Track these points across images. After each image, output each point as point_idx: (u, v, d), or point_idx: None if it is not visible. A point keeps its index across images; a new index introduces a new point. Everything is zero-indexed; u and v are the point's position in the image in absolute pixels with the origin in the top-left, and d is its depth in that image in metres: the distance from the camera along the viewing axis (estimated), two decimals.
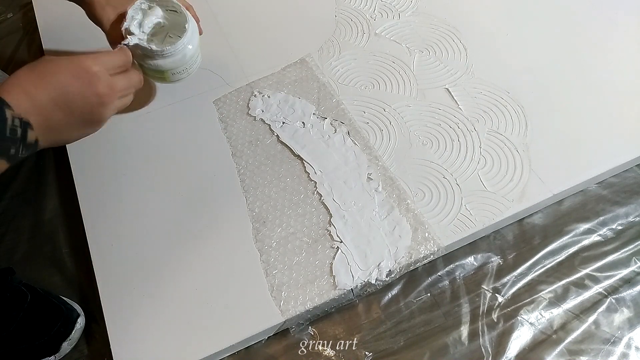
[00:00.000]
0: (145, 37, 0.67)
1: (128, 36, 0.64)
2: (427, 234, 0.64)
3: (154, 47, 0.65)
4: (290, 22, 0.89)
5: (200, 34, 0.71)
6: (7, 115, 0.40)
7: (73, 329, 0.61)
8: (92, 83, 0.46)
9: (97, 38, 0.89)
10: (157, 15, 0.69)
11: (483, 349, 0.59)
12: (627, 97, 0.77)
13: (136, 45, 0.64)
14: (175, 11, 0.70)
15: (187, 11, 0.69)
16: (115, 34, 0.65)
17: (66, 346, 0.61)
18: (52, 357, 0.60)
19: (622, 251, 0.66)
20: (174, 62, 0.68)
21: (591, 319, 0.61)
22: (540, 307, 0.62)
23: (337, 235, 0.65)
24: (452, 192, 0.68)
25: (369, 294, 0.63)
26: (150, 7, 0.69)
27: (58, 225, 0.71)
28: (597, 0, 0.89)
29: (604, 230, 0.68)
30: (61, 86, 0.44)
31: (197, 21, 0.71)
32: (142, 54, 0.66)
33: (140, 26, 0.67)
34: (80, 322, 0.62)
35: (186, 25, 0.67)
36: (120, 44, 0.62)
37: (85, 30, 0.90)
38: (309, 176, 0.70)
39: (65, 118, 0.45)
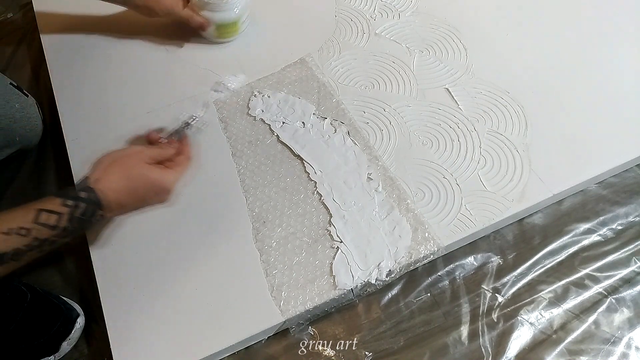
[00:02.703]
0: None
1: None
2: (427, 234, 0.64)
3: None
4: (290, 22, 0.89)
5: None
6: (97, 214, 0.50)
7: (72, 329, 0.61)
8: (166, 198, 0.57)
9: (97, 38, 0.89)
10: None
11: (483, 349, 0.59)
12: (627, 97, 0.77)
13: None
14: None
15: None
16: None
17: (66, 346, 0.61)
18: (52, 356, 0.60)
19: (622, 251, 0.66)
20: (242, 9, 0.78)
21: (591, 319, 0.61)
22: (540, 307, 0.62)
23: (337, 235, 0.65)
24: (452, 192, 0.68)
25: (369, 294, 0.63)
26: None
27: None
28: (597, 0, 0.89)
29: (604, 230, 0.68)
30: (144, 199, 0.55)
31: None
32: (213, 11, 0.77)
33: None
34: (80, 321, 0.62)
35: None
36: (170, 135, 0.63)
37: (85, 30, 0.90)
38: (309, 176, 0.70)
39: (128, 212, 0.56)
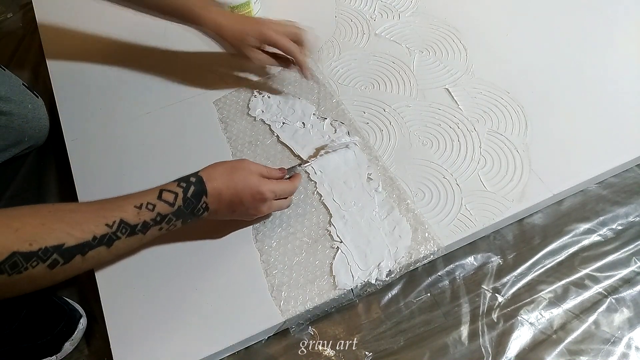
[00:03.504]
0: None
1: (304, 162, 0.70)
2: (427, 234, 0.64)
3: None
4: None
5: None
6: (203, 200, 0.57)
7: (76, 329, 0.61)
8: (261, 208, 0.62)
9: (97, 38, 0.89)
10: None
11: (483, 349, 0.59)
12: (627, 97, 0.77)
13: None
14: None
15: None
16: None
17: (68, 346, 0.61)
18: (54, 357, 0.60)
19: (622, 251, 0.66)
20: None
21: (591, 319, 0.61)
22: (540, 307, 0.62)
23: (337, 235, 0.65)
24: (452, 192, 0.68)
25: (369, 294, 0.63)
26: None
27: None
28: (597, 0, 0.89)
29: (604, 230, 0.68)
30: (241, 198, 0.59)
31: None
32: None
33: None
34: (83, 322, 0.62)
35: None
36: (293, 168, 0.68)
37: (84, 30, 0.91)
38: (309, 176, 0.70)
39: (225, 206, 0.60)
